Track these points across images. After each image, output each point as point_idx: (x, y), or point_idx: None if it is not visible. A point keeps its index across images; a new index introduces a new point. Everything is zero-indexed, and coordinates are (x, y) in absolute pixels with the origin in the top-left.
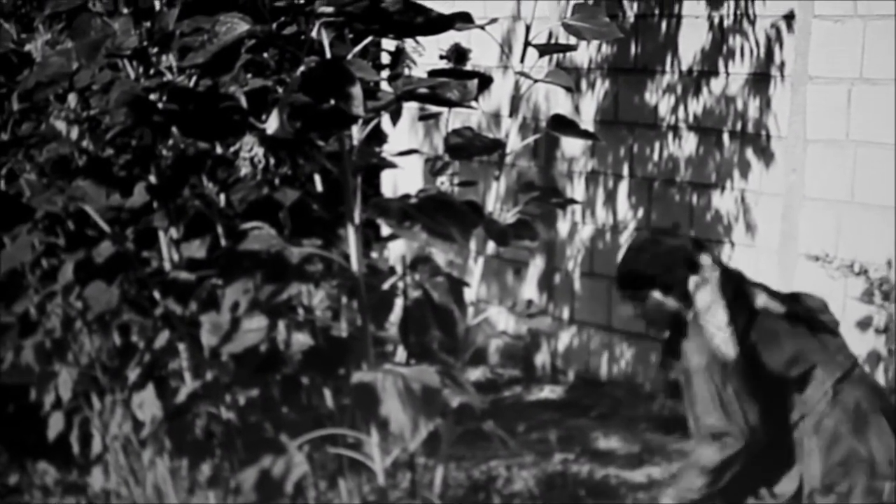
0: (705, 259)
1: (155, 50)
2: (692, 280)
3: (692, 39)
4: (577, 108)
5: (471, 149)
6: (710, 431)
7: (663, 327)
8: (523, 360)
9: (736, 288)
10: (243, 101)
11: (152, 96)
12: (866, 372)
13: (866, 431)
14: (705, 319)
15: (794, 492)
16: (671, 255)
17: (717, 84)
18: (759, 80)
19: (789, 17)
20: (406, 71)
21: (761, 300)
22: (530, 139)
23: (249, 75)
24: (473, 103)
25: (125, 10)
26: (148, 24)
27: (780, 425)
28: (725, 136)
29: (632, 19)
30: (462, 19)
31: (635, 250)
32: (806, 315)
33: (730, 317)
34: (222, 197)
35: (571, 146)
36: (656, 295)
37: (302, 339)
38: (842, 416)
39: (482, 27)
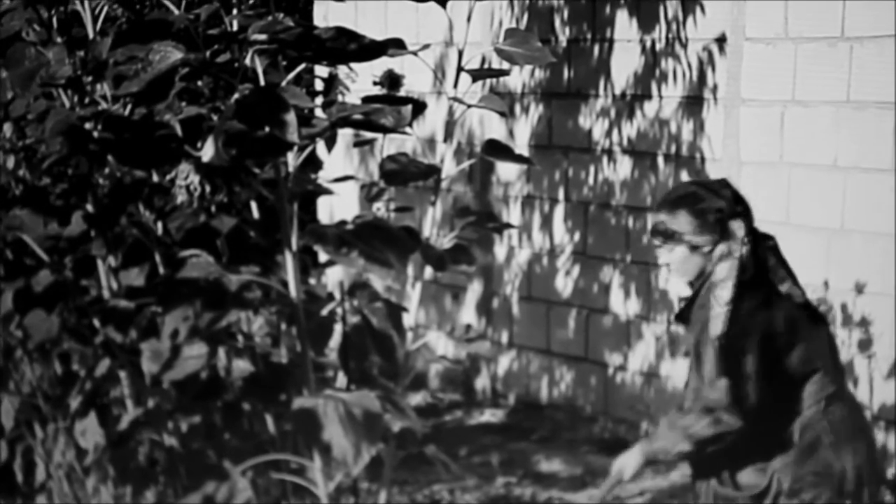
0: (739, 228)
1: (89, 79)
2: (719, 248)
3: (625, 63)
4: (511, 133)
5: (406, 175)
6: (707, 405)
7: (688, 278)
8: (463, 384)
9: (760, 267)
10: (178, 129)
11: (88, 125)
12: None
13: (844, 448)
14: (715, 293)
15: (763, 489)
16: (705, 215)
17: (650, 107)
18: (693, 103)
19: (721, 40)
20: (340, 97)
21: (785, 286)
22: (465, 164)
23: (184, 103)
24: (408, 129)
25: (59, 40)
26: (82, 53)
27: (772, 417)
28: (660, 159)
29: (564, 44)
30: (395, 45)
31: (672, 202)
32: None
33: (735, 296)
34: (160, 225)
35: (507, 171)
36: (682, 249)
37: (242, 366)
38: (827, 428)
39: (415, 53)
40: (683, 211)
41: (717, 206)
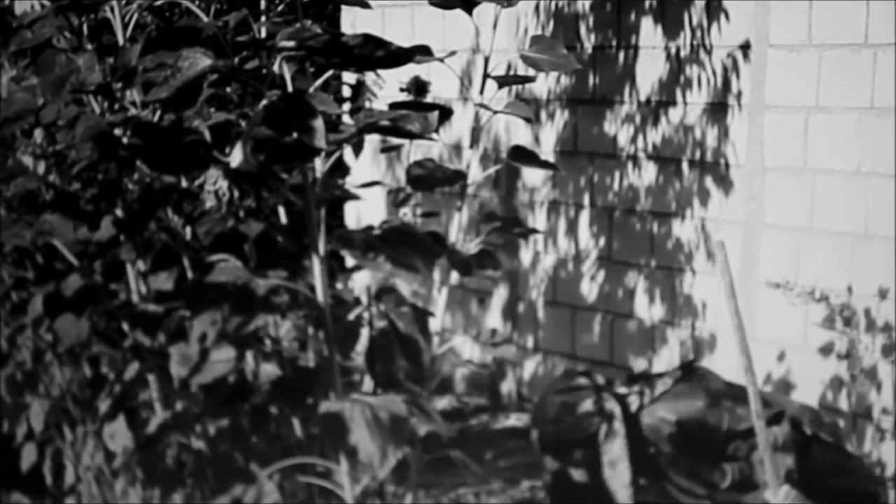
0: (615, 408)
1: (119, 85)
2: (601, 431)
3: (650, 70)
4: (537, 139)
5: (432, 180)
6: None
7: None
8: (489, 388)
9: (636, 426)
10: (207, 135)
11: (117, 131)
12: None
13: None
14: (610, 474)
15: None
16: (585, 418)
17: (675, 114)
18: (717, 110)
19: (745, 47)
20: (367, 104)
21: (663, 424)
22: (491, 170)
23: (212, 109)
24: (434, 135)
25: (89, 47)
26: (111, 59)
27: None
28: (685, 165)
29: (589, 50)
30: (422, 52)
31: (551, 420)
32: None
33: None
34: (188, 230)
35: (532, 176)
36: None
37: (270, 370)
38: None
39: (442, 60)
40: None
41: (590, 396)
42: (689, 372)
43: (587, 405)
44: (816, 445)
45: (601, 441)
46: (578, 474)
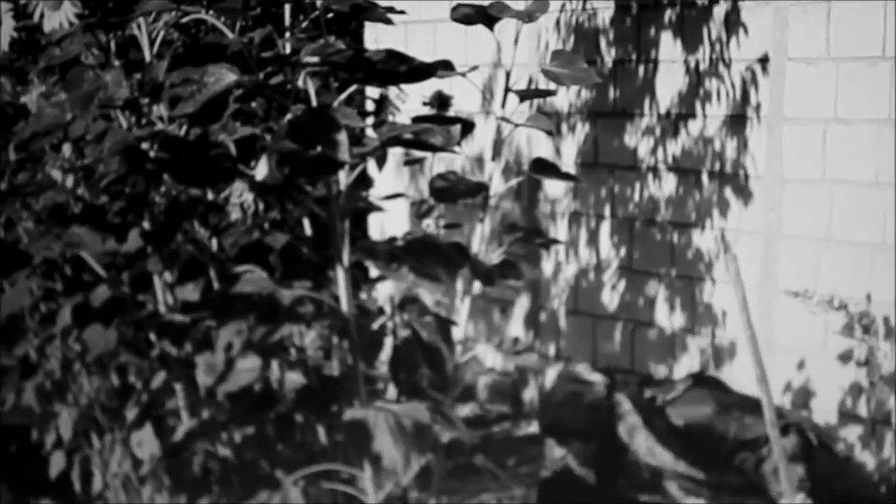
0: (625, 403)
1: (146, 100)
2: (622, 428)
3: (669, 83)
4: (558, 151)
5: (455, 192)
6: None
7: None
8: (511, 396)
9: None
10: (233, 149)
11: (144, 145)
12: None
13: None
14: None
15: None
16: (592, 408)
17: (694, 126)
18: (736, 122)
19: (763, 60)
20: (390, 117)
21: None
22: (513, 182)
23: (238, 124)
24: (457, 148)
25: (116, 63)
26: (139, 75)
27: None
28: (704, 177)
29: (610, 64)
30: (444, 67)
31: (557, 405)
32: None
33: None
34: (214, 241)
35: (554, 188)
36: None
37: (295, 379)
38: None
39: (464, 74)
40: (572, 407)
41: (599, 392)
42: (700, 381)
43: (597, 396)
44: (819, 452)
45: (623, 434)
46: (583, 462)
